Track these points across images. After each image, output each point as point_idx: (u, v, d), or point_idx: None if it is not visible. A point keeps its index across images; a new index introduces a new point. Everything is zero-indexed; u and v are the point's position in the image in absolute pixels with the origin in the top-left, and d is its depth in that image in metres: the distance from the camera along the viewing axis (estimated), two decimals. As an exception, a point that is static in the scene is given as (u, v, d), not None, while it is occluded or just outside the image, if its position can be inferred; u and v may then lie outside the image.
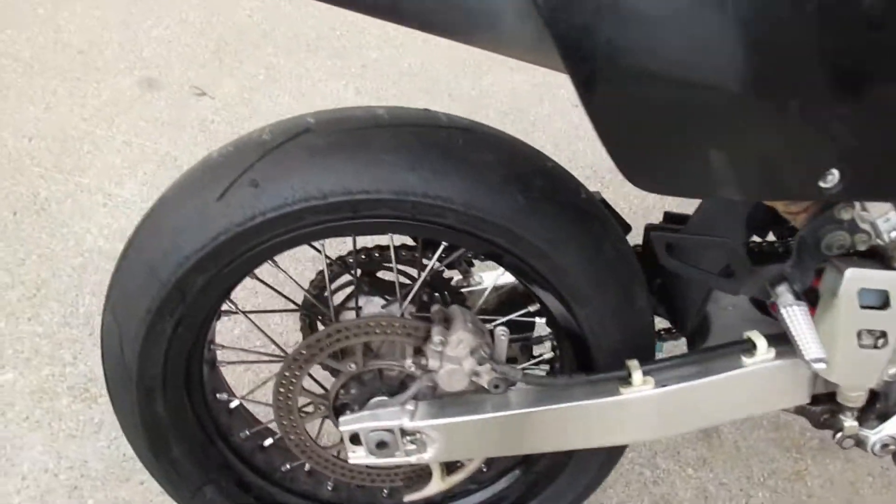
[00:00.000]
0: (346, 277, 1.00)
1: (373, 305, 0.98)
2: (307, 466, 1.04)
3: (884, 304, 0.76)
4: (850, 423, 0.88)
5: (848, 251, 0.75)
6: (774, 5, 0.54)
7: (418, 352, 0.88)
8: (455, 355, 0.84)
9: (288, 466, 1.05)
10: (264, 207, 0.77)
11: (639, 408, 0.85)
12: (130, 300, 0.82)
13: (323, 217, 0.78)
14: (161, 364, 0.86)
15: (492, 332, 0.87)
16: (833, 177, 0.65)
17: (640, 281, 0.89)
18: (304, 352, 0.88)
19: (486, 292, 0.98)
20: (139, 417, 0.89)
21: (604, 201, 0.92)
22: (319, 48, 2.36)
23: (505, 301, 1.06)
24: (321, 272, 0.99)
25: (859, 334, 0.77)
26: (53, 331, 1.44)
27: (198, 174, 0.82)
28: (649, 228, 0.98)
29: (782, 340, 0.86)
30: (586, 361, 0.92)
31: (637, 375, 0.83)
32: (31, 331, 1.44)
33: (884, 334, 0.77)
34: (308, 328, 1.07)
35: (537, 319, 1.01)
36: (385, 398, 0.91)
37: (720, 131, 0.59)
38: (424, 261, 0.94)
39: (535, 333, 1.05)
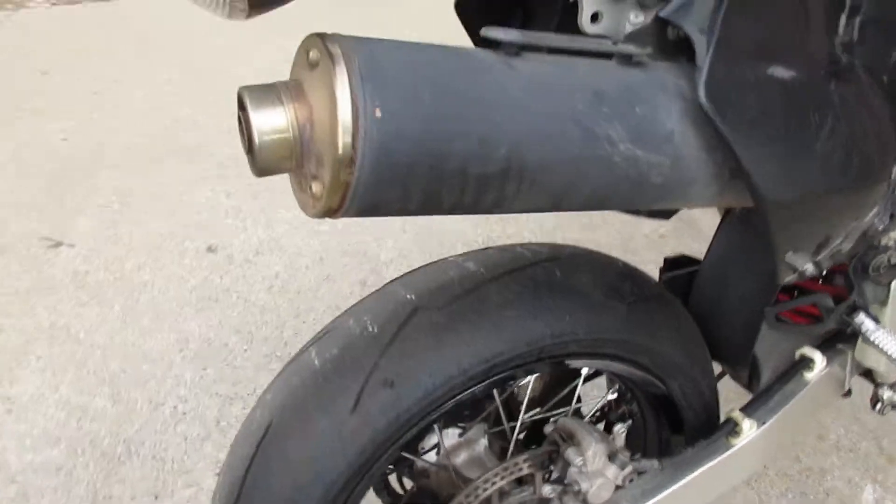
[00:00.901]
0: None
1: (449, 437, 0.96)
2: None
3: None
4: (888, 393, 1.04)
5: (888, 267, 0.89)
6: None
7: (549, 477, 0.88)
8: (597, 469, 0.86)
9: None
10: (407, 404, 0.73)
11: (749, 450, 0.93)
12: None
13: (461, 391, 0.76)
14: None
15: (609, 431, 0.90)
16: (886, 218, 0.78)
17: (701, 338, 0.97)
18: (449, 520, 0.84)
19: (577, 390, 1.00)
20: None
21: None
22: (164, 155, 2.18)
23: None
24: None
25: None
26: (28, 584, 1.21)
27: (308, 388, 0.75)
28: (668, 281, 1.07)
29: (825, 346, 0.99)
30: (673, 421, 0.98)
31: (746, 424, 0.91)
32: None
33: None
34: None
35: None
36: (522, 530, 0.90)
37: (852, 212, 0.69)
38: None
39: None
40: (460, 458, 0.95)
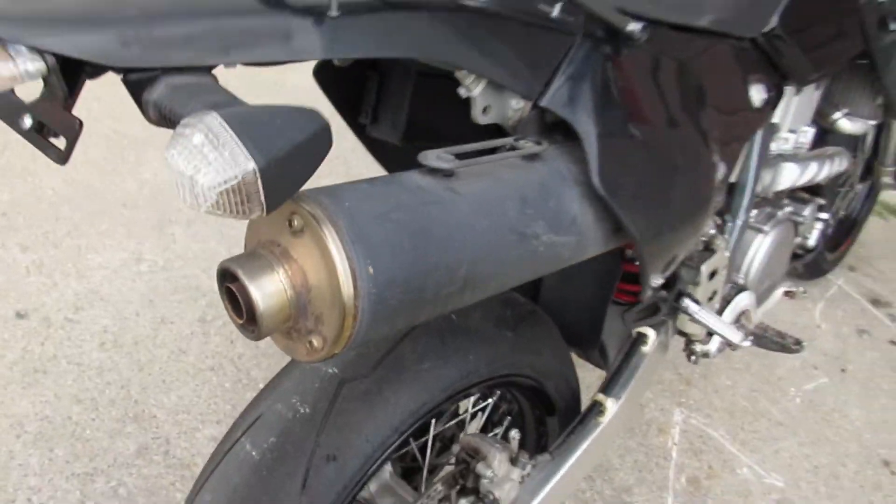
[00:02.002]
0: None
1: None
2: None
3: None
4: (700, 347, 1.29)
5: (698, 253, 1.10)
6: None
7: (467, 490, 0.99)
8: (504, 475, 0.98)
9: None
10: (352, 473, 0.78)
11: (614, 423, 1.12)
12: None
13: (396, 446, 0.83)
14: None
15: (505, 437, 1.02)
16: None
17: (560, 336, 1.13)
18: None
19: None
20: None
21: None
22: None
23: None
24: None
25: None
26: None
27: (251, 485, 0.77)
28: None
29: (651, 321, 1.20)
30: (547, 407, 1.14)
31: (609, 403, 1.09)
32: None
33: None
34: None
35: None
36: (450, 543, 1.00)
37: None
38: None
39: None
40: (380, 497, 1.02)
